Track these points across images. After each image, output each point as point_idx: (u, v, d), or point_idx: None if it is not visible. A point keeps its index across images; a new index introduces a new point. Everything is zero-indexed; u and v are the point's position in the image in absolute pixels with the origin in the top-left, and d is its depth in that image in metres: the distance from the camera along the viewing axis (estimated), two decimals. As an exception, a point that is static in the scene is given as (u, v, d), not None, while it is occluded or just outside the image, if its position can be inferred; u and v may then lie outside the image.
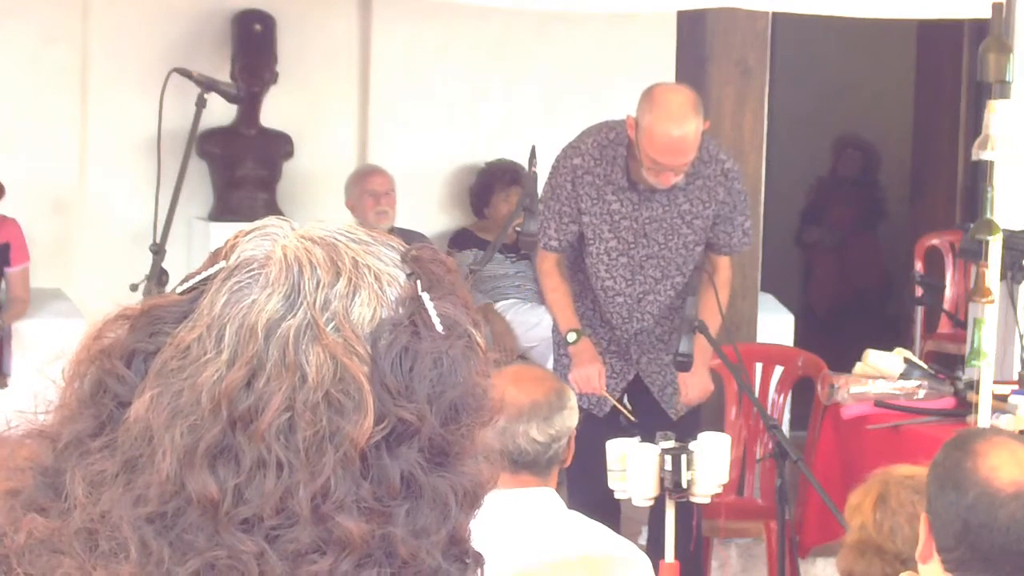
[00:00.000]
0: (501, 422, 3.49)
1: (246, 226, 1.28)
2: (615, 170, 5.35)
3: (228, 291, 1.22)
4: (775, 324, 7.23)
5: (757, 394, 5.86)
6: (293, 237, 1.25)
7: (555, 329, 5.65)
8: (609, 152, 5.35)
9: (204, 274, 1.24)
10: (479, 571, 1.25)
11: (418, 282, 1.24)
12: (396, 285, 1.23)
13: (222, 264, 1.24)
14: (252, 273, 1.22)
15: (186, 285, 1.25)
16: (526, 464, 3.43)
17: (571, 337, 5.42)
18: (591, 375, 5.38)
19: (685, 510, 4.55)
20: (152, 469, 1.17)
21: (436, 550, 1.20)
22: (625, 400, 5.58)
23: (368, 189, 7.30)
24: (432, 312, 1.22)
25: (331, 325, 1.19)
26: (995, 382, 5.13)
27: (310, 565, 1.15)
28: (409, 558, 1.18)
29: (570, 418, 3.49)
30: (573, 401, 3.53)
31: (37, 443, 1.23)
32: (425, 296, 1.23)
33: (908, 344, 7.01)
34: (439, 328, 1.22)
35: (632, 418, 5.45)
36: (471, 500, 1.23)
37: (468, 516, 1.23)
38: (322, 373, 1.18)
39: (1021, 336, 5.90)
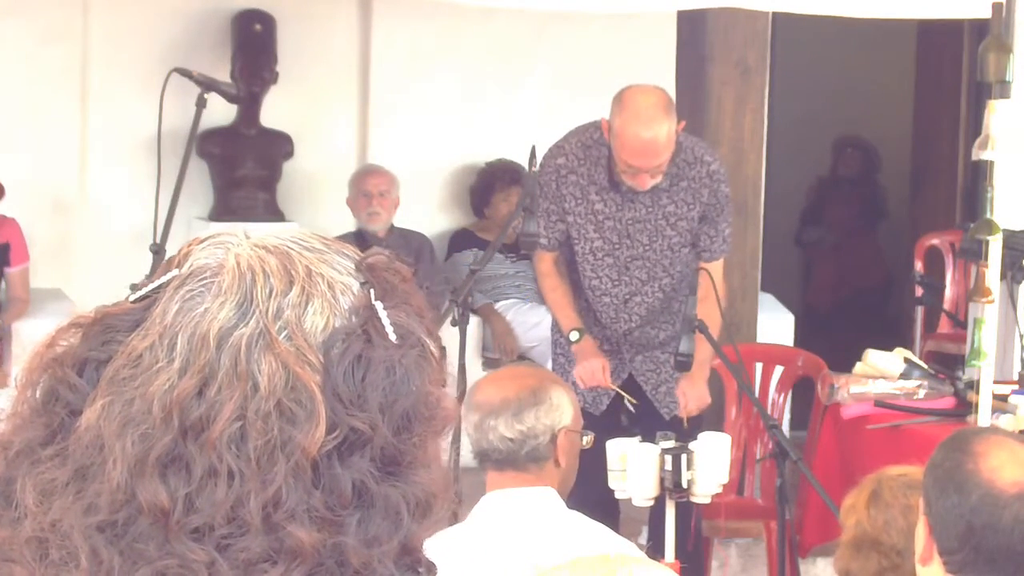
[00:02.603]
0: (476, 418, 3.50)
1: (201, 235, 1.27)
2: (598, 170, 5.35)
3: (180, 299, 1.21)
4: (775, 324, 7.23)
5: (757, 394, 5.85)
6: (247, 246, 1.23)
7: (555, 329, 5.65)
8: (593, 152, 5.35)
9: (157, 282, 1.24)
10: None
11: (371, 291, 1.23)
12: (349, 294, 1.22)
13: (175, 272, 1.24)
14: (205, 281, 1.21)
15: (139, 293, 1.24)
16: (500, 461, 3.43)
17: (574, 336, 5.43)
18: (595, 369, 5.38)
19: (685, 510, 4.55)
20: (103, 478, 1.17)
21: (388, 559, 1.19)
22: (626, 401, 5.57)
23: (362, 189, 7.31)
24: (385, 321, 1.22)
25: (283, 334, 1.19)
26: (995, 382, 5.12)
27: (261, 574, 1.15)
28: (361, 567, 1.18)
29: (547, 416, 3.48)
30: (558, 399, 3.52)
31: None
32: (378, 305, 1.22)
33: (908, 344, 7.01)
34: (392, 337, 1.21)
35: (633, 407, 5.45)
36: (423, 509, 1.22)
37: (420, 525, 1.22)
38: (274, 382, 1.17)
39: (1021, 336, 5.90)
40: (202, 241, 1.25)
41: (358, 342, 1.20)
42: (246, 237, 1.25)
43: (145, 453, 1.16)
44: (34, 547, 1.17)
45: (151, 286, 1.24)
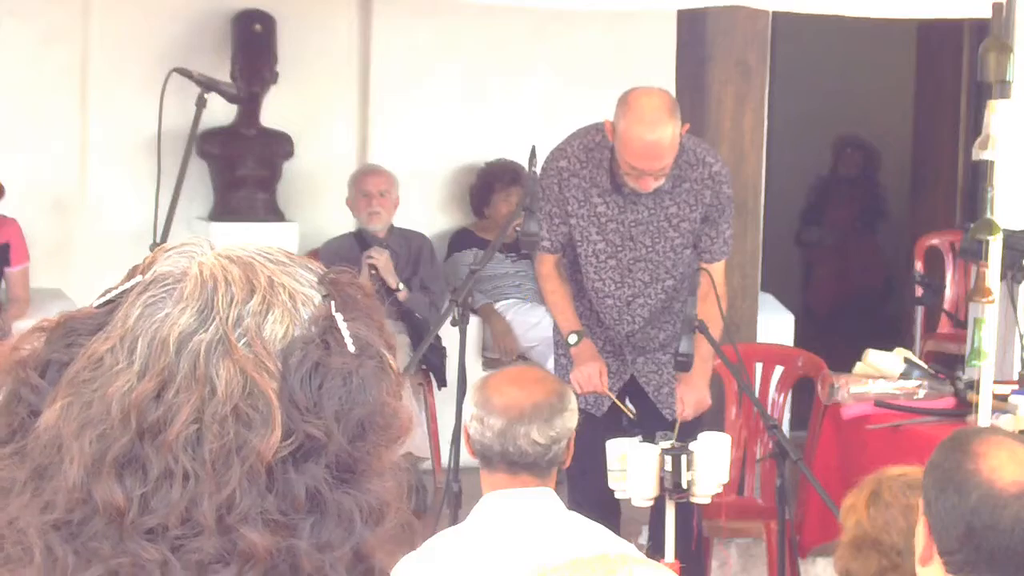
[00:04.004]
0: (500, 423, 3.49)
1: (168, 244, 1.30)
2: (600, 173, 5.34)
3: (142, 304, 1.23)
4: (775, 324, 7.23)
5: (757, 394, 5.86)
6: (211, 255, 1.25)
7: (555, 330, 5.65)
8: (595, 155, 5.34)
9: (120, 288, 1.26)
10: None
11: (332, 303, 1.25)
12: (310, 305, 1.24)
13: (139, 279, 1.26)
14: (167, 287, 1.23)
15: (103, 299, 1.26)
16: (526, 465, 3.43)
17: (572, 339, 5.43)
18: (592, 373, 5.38)
19: (685, 510, 4.56)
20: (60, 477, 1.18)
21: (340, 565, 1.21)
22: (627, 401, 5.58)
23: (362, 189, 7.31)
24: (345, 332, 1.23)
25: (243, 341, 1.20)
26: (995, 382, 5.12)
27: (214, 575, 1.17)
28: (314, 572, 1.19)
29: (570, 420, 3.50)
30: (574, 403, 3.54)
31: None
32: (338, 316, 1.24)
33: (908, 344, 7.01)
34: (351, 348, 1.23)
35: (632, 416, 5.45)
36: (376, 517, 1.23)
37: (374, 533, 1.23)
38: (231, 387, 1.19)
39: (1021, 336, 5.90)
40: (168, 250, 1.27)
41: (316, 351, 1.22)
42: (211, 247, 1.27)
43: (102, 453, 1.17)
44: None
45: (115, 291, 1.26)
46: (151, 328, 1.21)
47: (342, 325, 1.24)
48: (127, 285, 1.26)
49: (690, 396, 5.38)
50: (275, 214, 7.50)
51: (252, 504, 1.17)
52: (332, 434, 1.20)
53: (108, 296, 1.26)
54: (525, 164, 5.34)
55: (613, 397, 5.44)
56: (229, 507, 1.17)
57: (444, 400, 6.65)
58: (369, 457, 1.23)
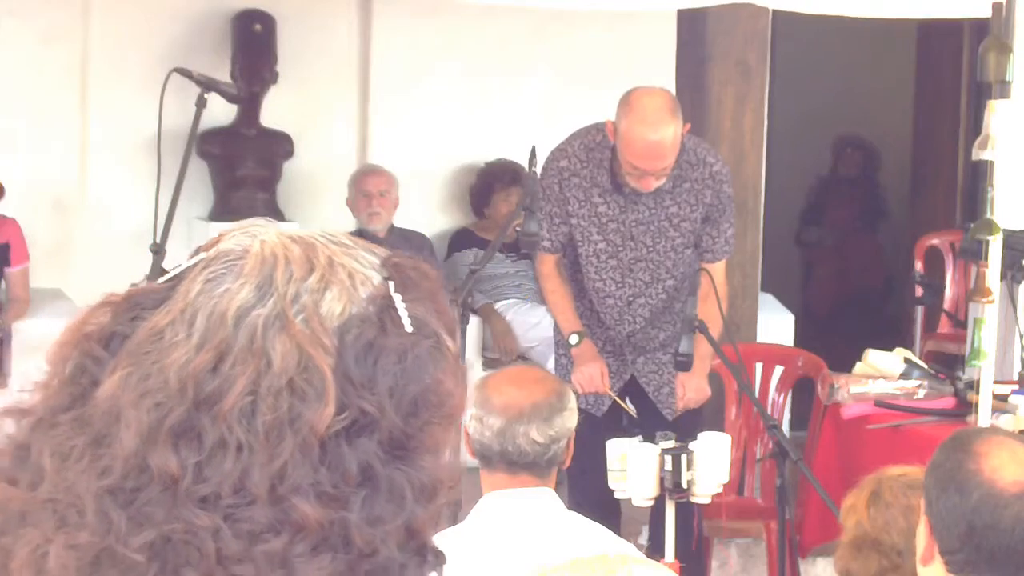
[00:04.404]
0: (499, 423, 3.49)
1: (233, 225, 1.32)
2: (601, 172, 5.34)
3: (203, 280, 1.25)
4: (775, 324, 7.23)
5: (757, 394, 5.86)
6: (273, 235, 1.28)
7: (556, 329, 5.65)
8: (596, 155, 5.34)
9: (185, 264, 1.29)
10: (440, 569, 1.27)
11: (391, 283, 1.27)
12: (369, 285, 1.26)
13: (202, 256, 1.28)
14: (228, 263, 1.26)
15: (168, 275, 1.29)
16: (525, 465, 3.43)
17: (573, 339, 5.43)
18: (594, 374, 5.39)
19: (686, 510, 4.55)
20: (118, 444, 1.20)
21: (391, 540, 1.22)
22: (627, 401, 5.58)
23: (362, 189, 7.31)
24: (402, 311, 1.25)
25: (300, 317, 1.23)
26: (995, 382, 5.13)
27: (264, 544, 1.18)
28: (364, 546, 1.20)
29: (570, 419, 3.50)
30: (573, 403, 3.54)
31: (18, 420, 1.27)
32: (397, 296, 1.26)
33: (908, 344, 7.01)
34: (408, 327, 1.25)
35: (634, 415, 5.45)
36: (427, 495, 1.25)
37: (425, 510, 1.24)
38: (287, 361, 1.21)
39: (1021, 336, 5.90)
40: (232, 230, 1.30)
41: (372, 329, 1.24)
42: (276, 229, 1.30)
43: (159, 422, 1.20)
44: (49, 510, 1.21)
45: (180, 268, 1.29)
46: (210, 302, 1.23)
47: (400, 305, 1.25)
48: (191, 262, 1.28)
49: (690, 382, 5.39)
50: (275, 214, 7.50)
51: (304, 476, 1.19)
52: (385, 410, 1.22)
53: (173, 272, 1.29)
54: (525, 164, 5.34)
55: (614, 396, 5.44)
56: (281, 478, 1.19)
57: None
58: (422, 434, 1.25)
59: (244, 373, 1.20)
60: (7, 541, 1.21)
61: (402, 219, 7.41)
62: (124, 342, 1.24)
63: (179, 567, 1.18)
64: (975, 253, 5.03)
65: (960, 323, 7.04)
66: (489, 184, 7.69)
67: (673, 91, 6.03)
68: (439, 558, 1.26)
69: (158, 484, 1.19)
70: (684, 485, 4.15)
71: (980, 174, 5.18)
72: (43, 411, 1.25)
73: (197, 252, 1.29)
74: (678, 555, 4.37)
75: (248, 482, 1.19)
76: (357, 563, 1.20)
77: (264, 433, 1.19)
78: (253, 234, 1.28)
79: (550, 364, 5.88)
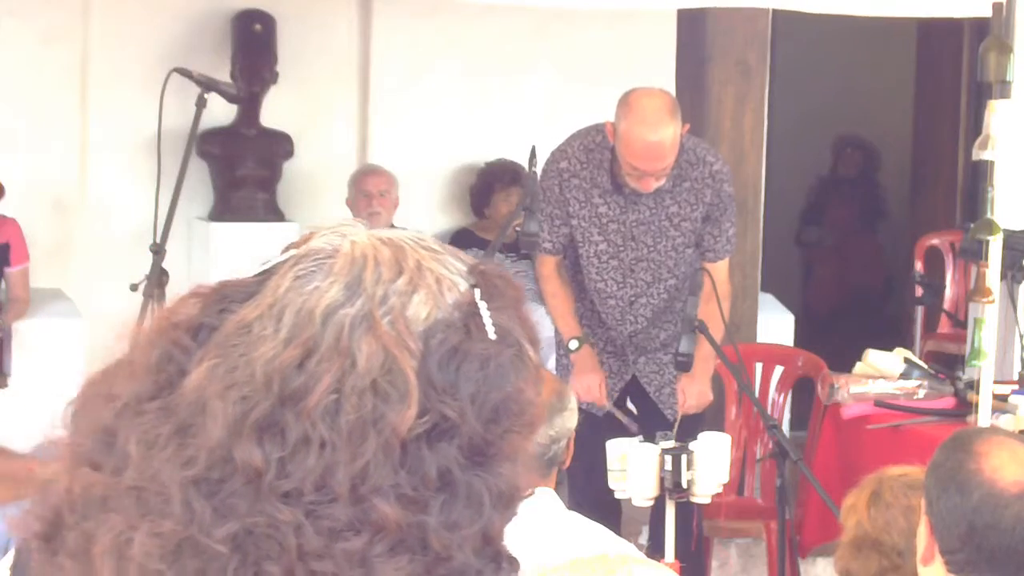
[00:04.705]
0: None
1: (325, 223, 1.33)
2: (601, 173, 5.35)
3: (293, 276, 1.26)
4: (775, 324, 7.23)
5: (757, 394, 5.86)
6: (364, 235, 1.30)
7: (557, 330, 5.65)
8: (596, 155, 5.35)
9: (275, 260, 1.29)
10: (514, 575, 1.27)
11: (477, 291, 1.28)
12: (456, 291, 1.27)
13: (292, 252, 1.29)
14: (319, 262, 1.27)
15: (259, 269, 1.30)
16: None
17: (573, 344, 5.43)
18: (592, 385, 5.39)
19: (686, 510, 4.56)
20: (203, 435, 1.21)
21: (468, 546, 1.23)
22: (628, 403, 5.57)
23: (362, 190, 7.31)
24: (487, 319, 1.26)
25: (386, 319, 1.24)
26: (995, 382, 5.12)
27: (344, 542, 1.19)
28: (441, 550, 1.21)
29: (570, 420, 3.50)
30: (573, 403, 3.54)
31: (100, 404, 1.27)
32: (482, 304, 1.27)
33: (908, 344, 7.01)
34: (491, 335, 1.26)
35: (634, 431, 5.45)
36: (505, 502, 1.25)
37: (502, 517, 1.25)
38: (372, 362, 1.22)
39: (1021, 336, 5.90)
40: (325, 228, 1.31)
41: (457, 334, 1.25)
42: (366, 229, 1.31)
43: (244, 415, 1.21)
44: (133, 496, 1.22)
45: (270, 263, 1.29)
46: (299, 299, 1.24)
47: (485, 313, 1.26)
48: (281, 258, 1.29)
49: (692, 388, 5.39)
50: (275, 214, 7.50)
51: (385, 477, 1.20)
52: (466, 416, 1.23)
53: (263, 267, 1.29)
54: (525, 164, 5.34)
55: (612, 408, 5.44)
56: (363, 478, 1.19)
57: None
58: (502, 442, 1.25)
59: (329, 371, 1.21)
60: (89, 526, 1.22)
61: (402, 219, 7.41)
62: (211, 333, 1.25)
63: (260, 560, 1.19)
64: (975, 253, 5.03)
65: (960, 323, 7.04)
66: (489, 184, 7.69)
67: (673, 91, 6.04)
68: (513, 564, 1.27)
69: (241, 477, 1.20)
70: (684, 485, 4.15)
71: (980, 174, 5.18)
72: (128, 397, 1.26)
73: (287, 249, 1.30)
74: (678, 555, 4.37)
75: (330, 480, 1.19)
76: (433, 566, 1.21)
77: (347, 432, 1.20)
78: (343, 233, 1.29)
79: (551, 364, 5.88)
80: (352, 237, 1.29)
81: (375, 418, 1.20)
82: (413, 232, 1.32)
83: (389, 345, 1.22)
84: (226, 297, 1.27)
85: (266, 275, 1.28)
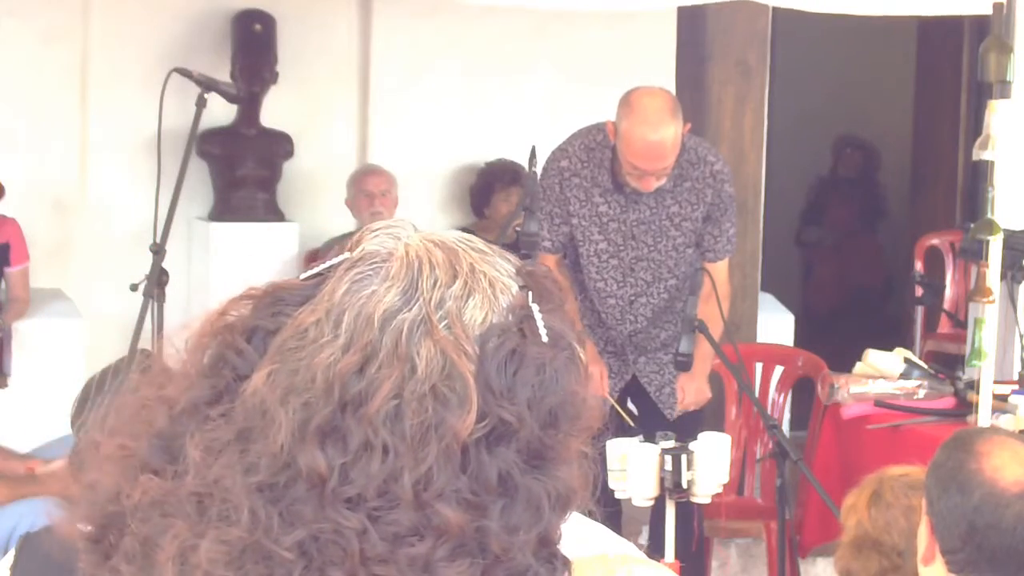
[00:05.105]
0: None
1: (374, 224, 1.33)
2: (602, 172, 5.35)
3: (350, 280, 1.26)
4: (775, 324, 7.23)
5: (757, 394, 5.86)
6: (416, 238, 1.29)
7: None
8: (596, 155, 5.35)
9: (328, 263, 1.30)
10: (566, 574, 1.28)
11: (529, 294, 1.28)
12: (508, 294, 1.28)
13: (346, 255, 1.29)
14: (374, 266, 1.27)
15: (311, 272, 1.30)
16: None
17: (572, 339, 5.42)
18: (592, 376, 5.38)
19: (686, 510, 4.55)
20: (264, 441, 1.21)
21: (527, 549, 1.23)
22: (628, 403, 5.57)
23: (364, 189, 7.31)
24: (540, 323, 1.27)
25: (444, 323, 1.24)
26: (995, 382, 5.12)
27: (409, 548, 1.19)
28: (501, 553, 1.21)
29: None
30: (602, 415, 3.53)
31: (155, 408, 1.27)
32: (534, 307, 1.28)
33: (908, 344, 7.01)
34: (544, 338, 1.27)
35: (632, 424, 5.45)
36: (563, 504, 1.26)
37: (559, 519, 1.26)
38: (431, 366, 1.22)
39: (1021, 336, 5.90)
40: (375, 230, 1.31)
41: (513, 339, 1.25)
42: (416, 230, 1.31)
43: (306, 421, 1.21)
44: (195, 502, 1.22)
45: (323, 266, 1.29)
46: (357, 303, 1.24)
47: (537, 316, 1.27)
48: (335, 261, 1.29)
49: (690, 385, 5.39)
50: (275, 214, 7.50)
51: (447, 482, 1.20)
52: (524, 420, 1.23)
53: (315, 270, 1.30)
54: (525, 164, 5.34)
55: (613, 401, 5.44)
56: (427, 483, 1.20)
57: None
58: (559, 445, 1.26)
59: (390, 377, 1.21)
60: (148, 530, 1.23)
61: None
62: (266, 337, 1.26)
63: (324, 565, 1.19)
64: (975, 253, 5.03)
65: (960, 323, 7.04)
66: (489, 184, 7.69)
67: (673, 91, 6.04)
68: (566, 564, 1.27)
69: (305, 483, 1.20)
70: (684, 485, 4.14)
71: (980, 174, 5.18)
72: (186, 402, 1.26)
73: (340, 251, 1.30)
74: (678, 555, 4.37)
75: (393, 486, 1.19)
76: (492, 568, 1.21)
77: (410, 437, 1.20)
78: (397, 236, 1.29)
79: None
80: (405, 240, 1.29)
81: (436, 423, 1.21)
82: (459, 234, 1.32)
83: (447, 350, 1.22)
84: (280, 300, 1.28)
85: (320, 279, 1.28)
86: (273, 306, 1.27)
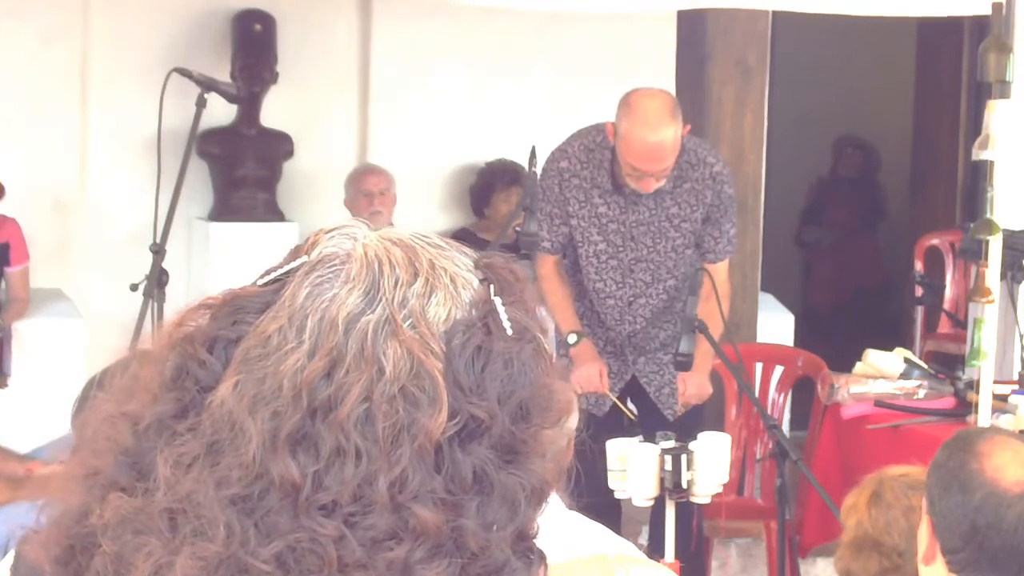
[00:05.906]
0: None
1: (326, 225, 1.31)
2: (601, 173, 5.35)
3: (310, 284, 1.25)
4: (775, 324, 7.23)
5: (757, 394, 5.86)
6: (373, 237, 1.28)
7: (556, 329, 5.65)
8: (596, 155, 5.35)
9: (286, 268, 1.28)
10: (543, 568, 1.27)
11: (491, 287, 1.27)
12: (470, 288, 1.27)
13: (304, 259, 1.28)
14: (334, 268, 1.26)
15: (268, 277, 1.28)
16: None
17: (572, 339, 5.42)
18: (592, 374, 5.38)
19: (686, 510, 4.55)
20: (235, 452, 1.20)
21: (504, 544, 1.23)
22: (628, 403, 5.57)
23: (362, 189, 7.31)
24: (503, 316, 1.26)
25: (408, 322, 1.23)
26: (995, 382, 5.12)
27: (387, 552, 1.19)
28: (479, 550, 1.21)
29: (571, 420, 3.49)
30: (574, 403, 3.53)
31: (118, 423, 1.26)
32: (497, 300, 1.27)
33: (908, 344, 7.01)
34: (509, 332, 1.26)
35: (632, 417, 5.45)
36: (538, 497, 1.26)
37: (535, 512, 1.25)
38: (399, 367, 1.21)
39: (1021, 336, 5.90)
40: (329, 231, 1.30)
41: (478, 334, 1.24)
42: (371, 230, 1.29)
43: (276, 430, 1.20)
44: (167, 518, 1.21)
45: (280, 271, 1.28)
46: (319, 307, 1.23)
47: (500, 309, 1.26)
48: (292, 265, 1.28)
49: (691, 380, 5.39)
50: (275, 214, 7.50)
51: (422, 483, 1.19)
52: (496, 415, 1.22)
53: (273, 275, 1.28)
54: (525, 164, 5.34)
55: (613, 398, 5.44)
56: (402, 485, 1.19)
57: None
58: (531, 439, 1.25)
59: (359, 380, 1.20)
60: (119, 549, 1.21)
61: (402, 219, 7.41)
62: (228, 346, 1.24)
63: (302, 575, 1.18)
64: (975, 253, 5.03)
65: (960, 323, 7.04)
66: (489, 184, 7.69)
67: (673, 91, 6.04)
68: (541, 558, 1.27)
69: (278, 492, 1.19)
70: (684, 485, 4.14)
71: (980, 174, 5.18)
72: (151, 418, 1.24)
73: (296, 255, 1.29)
74: (678, 555, 4.37)
75: (368, 490, 1.19)
76: (470, 566, 1.21)
77: (382, 440, 1.19)
78: (353, 236, 1.28)
79: (551, 364, 5.87)
80: (363, 240, 1.27)
81: (408, 424, 1.20)
82: (414, 231, 1.32)
83: (414, 349, 1.21)
84: (239, 308, 1.26)
85: (278, 283, 1.27)
86: (233, 315, 1.26)
